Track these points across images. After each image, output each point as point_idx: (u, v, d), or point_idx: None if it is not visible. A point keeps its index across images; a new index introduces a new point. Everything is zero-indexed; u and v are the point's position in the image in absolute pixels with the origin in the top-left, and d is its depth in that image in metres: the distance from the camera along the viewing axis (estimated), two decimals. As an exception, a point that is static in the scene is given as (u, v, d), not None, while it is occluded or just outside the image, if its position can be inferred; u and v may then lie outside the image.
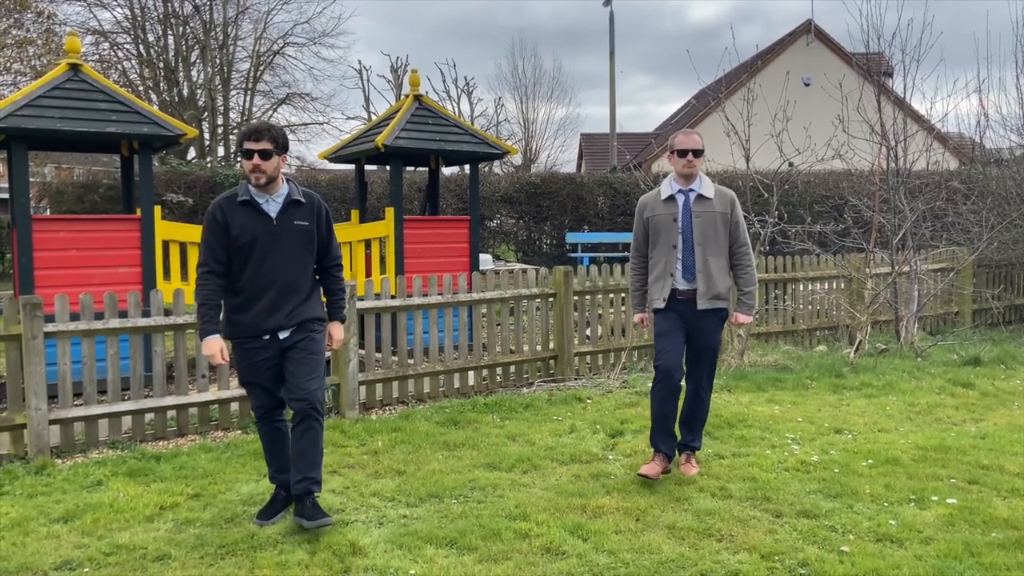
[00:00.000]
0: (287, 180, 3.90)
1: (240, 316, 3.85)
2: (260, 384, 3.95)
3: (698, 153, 4.56)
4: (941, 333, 9.76)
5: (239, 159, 3.85)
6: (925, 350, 8.36)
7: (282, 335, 3.88)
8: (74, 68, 7.06)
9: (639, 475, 4.47)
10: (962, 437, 5.39)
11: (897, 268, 8.72)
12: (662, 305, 4.60)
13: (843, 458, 4.92)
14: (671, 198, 4.63)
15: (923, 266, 9.25)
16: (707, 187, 4.62)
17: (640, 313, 4.94)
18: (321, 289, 4.09)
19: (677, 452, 4.75)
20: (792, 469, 4.74)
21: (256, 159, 3.72)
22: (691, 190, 4.60)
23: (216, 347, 3.82)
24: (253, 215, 3.80)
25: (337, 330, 4.14)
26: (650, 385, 4.75)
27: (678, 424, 4.71)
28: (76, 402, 5.44)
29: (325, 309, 4.11)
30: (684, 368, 4.64)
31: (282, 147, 3.81)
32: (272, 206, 3.84)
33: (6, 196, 8.30)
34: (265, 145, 3.72)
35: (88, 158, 22.95)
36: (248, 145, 3.72)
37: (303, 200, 3.89)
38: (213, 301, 3.81)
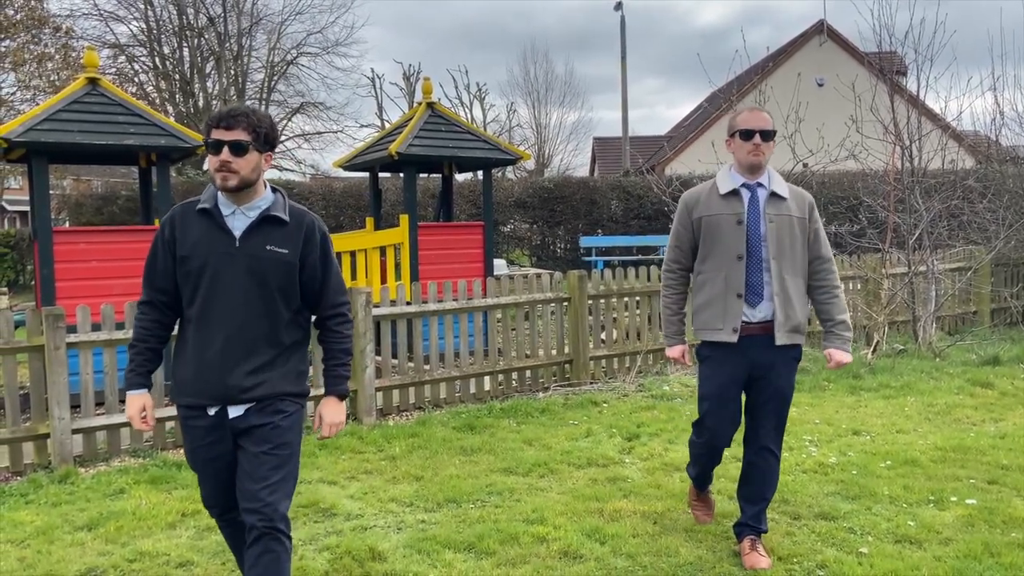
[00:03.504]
0: (274, 190, 2.82)
1: (182, 371, 2.77)
2: (211, 477, 2.83)
3: (767, 135, 3.46)
4: (959, 333, 9.69)
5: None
6: (943, 350, 8.30)
7: (232, 412, 2.71)
8: (92, 82, 7.16)
9: (701, 522, 3.95)
10: (981, 437, 5.35)
11: (914, 268, 8.67)
12: (730, 338, 3.46)
13: (861, 459, 4.90)
14: (734, 193, 3.51)
15: (940, 266, 9.19)
16: (779, 183, 3.55)
17: (678, 345, 3.73)
18: (306, 353, 2.91)
19: (736, 534, 3.67)
20: (810, 471, 4.73)
21: (225, 153, 2.65)
22: (760, 185, 3.51)
23: (136, 407, 2.76)
24: (211, 230, 2.72)
25: (332, 410, 2.85)
26: (689, 425, 3.97)
27: (738, 496, 3.73)
28: (98, 411, 5.51)
29: (308, 382, 2.92)
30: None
31: (265, 141, 2.72)
32: (239, 220, 2.73)
33: (27, 208, 8.42)
34: (239, 135, 2.65)
35: (106, 170, 23.24)
36: (217, 135, 2.66)
37: (286, 219, 2.75)
38: (145, 343, 2.78)
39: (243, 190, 2.72)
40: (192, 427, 2.76)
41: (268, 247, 2.72)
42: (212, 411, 2.72)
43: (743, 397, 3.62)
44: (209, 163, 2.70)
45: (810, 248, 3.56)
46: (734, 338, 3.45)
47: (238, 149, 2.66)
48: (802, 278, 3.54)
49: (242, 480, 2.72)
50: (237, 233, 2.72)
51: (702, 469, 3.86)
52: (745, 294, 3.46)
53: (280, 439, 2.73)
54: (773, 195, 3.51)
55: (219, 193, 2.76)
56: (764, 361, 3.48)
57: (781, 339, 3.45)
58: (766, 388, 3.52)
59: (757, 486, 3.60)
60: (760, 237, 3.46)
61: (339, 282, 2.89)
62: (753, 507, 3.60)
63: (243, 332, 2.70)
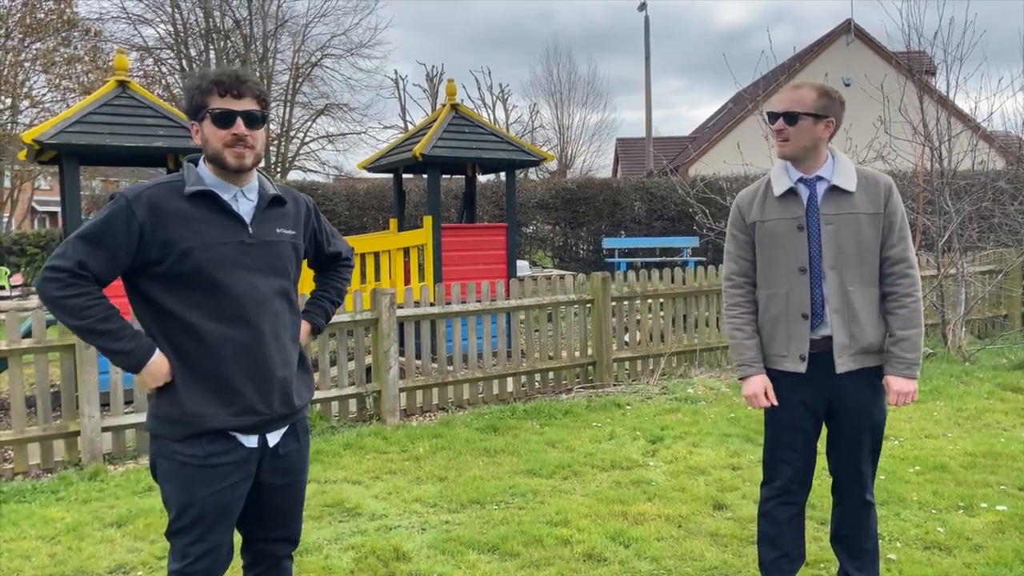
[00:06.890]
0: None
1: (198, 398, 2.22)
2: (225, 530, 2.30)
3: (793, 118, 2.80)
4: (989, 336, 9.53)
5: (197, 124, 2.27)
6: (973, 354, 8.18)
7: (273, 438, 2.34)
8: (122, 85, 7.27)
9: None
10: (1012, 443, 5.27)
11: (943, 271, 8.56)
12: (798, 367, 2.89)
13: (890, 465, 4.84)
14: (791, 192, 2.90)
15: (970, 268, 9.05)
16: (845, 173, 2.88)
17: (755, 376, 2.96)
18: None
19: None
20: (836, 475, 4.68)
21: (239, 126, 2.22)
22: (819, 178, 2.88)
23: (165, 372, 2.25)
24: (215, 218, 2.25)
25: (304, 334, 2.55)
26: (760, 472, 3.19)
27: (833, 544, 3.13)
28: (127, 409, 5.58)
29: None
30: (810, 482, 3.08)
31: (268, 109, 2.36)
32: (244, 204, 2.31)
33: (57, 209, 8.56)
34: (250, 105, 2.25)
35: (134, 171, 23.57)
36: (224, 104, 2.22)
37: (285, 198, 2.42)
38: (112, 310, 2.28)
39: (251, 169, 2.32)
40: (214, 466, 2.22)
41: (279, 230, 2.36)
42: (250, 442, 2.28)
43: (822, 430, 3.03)
44: (213, 137, 2.23)
45: (883, 245, 2.88)
46: (802, 367, 2.88)
47: (252, 121, 2.25)
48: (876, 287, 2.90)
49: (267, 513, 2.41)
50: (247, 218, 2.29)
51: (775, 537, 3.02)
52: (811, 312, 2.88)
53: (305, 463, 2.45)
54: (834, 189, 2.86)
55: (203, 172, 2.29)
56: (835, 389, 2.89)
57: (844, 365, 2.84)
58: (851, 422, 2.92)
59: (851, 537, 3.03)
60: (818, 244, 2.88)
61: (340, 236, 2.72)
62: (856, 559, 3.02)
63: (273, 335, 2.31)
